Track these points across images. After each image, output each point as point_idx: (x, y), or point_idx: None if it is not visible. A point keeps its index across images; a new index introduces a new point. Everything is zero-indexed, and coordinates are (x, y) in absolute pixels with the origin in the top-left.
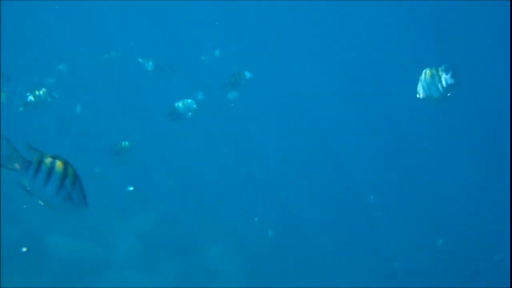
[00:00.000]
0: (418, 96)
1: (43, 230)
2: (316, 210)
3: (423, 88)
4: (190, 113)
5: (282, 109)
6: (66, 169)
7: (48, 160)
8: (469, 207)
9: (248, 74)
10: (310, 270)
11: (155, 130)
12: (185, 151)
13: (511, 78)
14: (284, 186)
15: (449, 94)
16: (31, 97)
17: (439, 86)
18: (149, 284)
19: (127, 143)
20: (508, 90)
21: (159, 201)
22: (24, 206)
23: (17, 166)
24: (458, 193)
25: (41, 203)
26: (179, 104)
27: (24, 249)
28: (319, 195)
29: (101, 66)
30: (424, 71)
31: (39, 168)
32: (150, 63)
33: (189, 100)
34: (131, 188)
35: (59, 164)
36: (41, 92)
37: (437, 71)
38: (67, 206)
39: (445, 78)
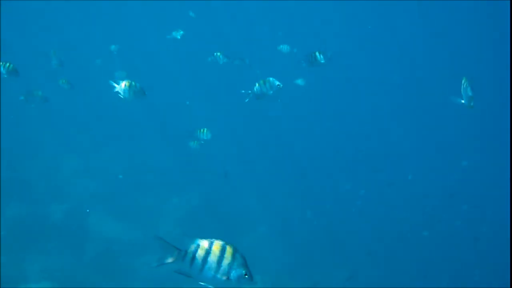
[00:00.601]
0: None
1: (86, 210)
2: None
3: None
4: (271, 92)
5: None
6: (223, 252)
7: (203, 246)
8: None
9: (326, 54)
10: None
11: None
12: (232, 136)
13: (511, 78)
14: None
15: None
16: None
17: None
18: None
19: (205, 129)
20: (508, 90)
21: (200, 182)
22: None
23: (172, 259)
24: None
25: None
26: (262, 82)
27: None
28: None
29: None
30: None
31: (194, 256)
32: (221, 56)
33: (271, 79)
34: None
35: (215, 248)
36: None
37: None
38: (228, 284)
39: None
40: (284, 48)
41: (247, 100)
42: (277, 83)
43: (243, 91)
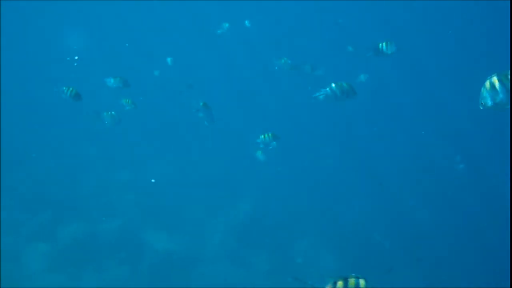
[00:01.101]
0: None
1: (138, 225)
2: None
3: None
4: (345, 96)
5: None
6: (357, 285)
7: (339, 283)
8: None
9: (393, 45)
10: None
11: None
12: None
13: (511, 78)
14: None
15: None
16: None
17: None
18: (242, 276)
19: (270, 134)
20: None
21: (250, 193)
22: None
23: None
24: None
25: None
26: (336, 86)
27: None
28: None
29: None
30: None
31: None
32: (286, 61)
33: (346, 84)
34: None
35: (351, 283)
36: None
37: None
38: None
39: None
40: (351, 48)
41: (318, 98)
42: (353, 90)
43: (316, 94)
